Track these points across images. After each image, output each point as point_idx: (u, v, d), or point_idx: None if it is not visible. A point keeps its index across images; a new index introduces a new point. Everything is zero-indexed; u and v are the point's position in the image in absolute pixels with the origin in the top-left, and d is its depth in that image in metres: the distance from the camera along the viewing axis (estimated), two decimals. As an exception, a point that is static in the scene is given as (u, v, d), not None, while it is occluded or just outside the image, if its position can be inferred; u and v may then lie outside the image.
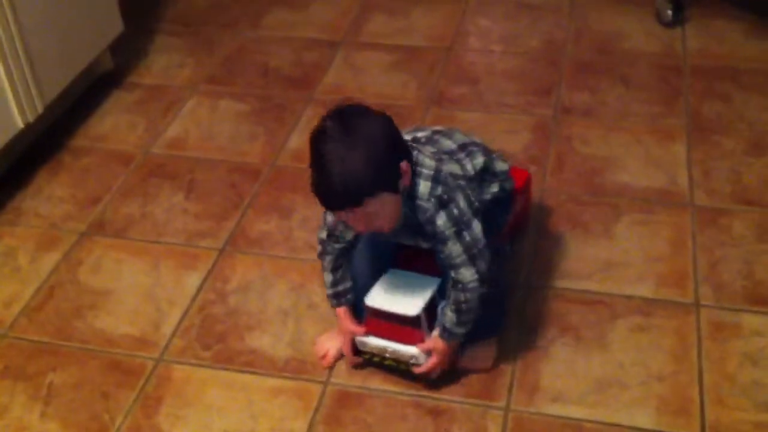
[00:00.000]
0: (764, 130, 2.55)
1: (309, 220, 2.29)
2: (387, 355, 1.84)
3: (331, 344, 1.94)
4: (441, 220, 1.65)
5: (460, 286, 1.71)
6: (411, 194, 1.65)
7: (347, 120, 1.56)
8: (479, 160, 1.79)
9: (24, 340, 2.04)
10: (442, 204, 1.65)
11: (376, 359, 1.87)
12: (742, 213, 2.27)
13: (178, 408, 1.87)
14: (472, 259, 1.69)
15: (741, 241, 2.19)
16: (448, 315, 1.76)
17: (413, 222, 1.68)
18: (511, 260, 1.99)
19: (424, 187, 1.64)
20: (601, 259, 2.16)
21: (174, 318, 2.06)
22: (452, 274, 1.71)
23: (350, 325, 1.86)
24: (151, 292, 2.14)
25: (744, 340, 1.94)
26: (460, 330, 1.77)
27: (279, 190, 2.43)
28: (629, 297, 2.05)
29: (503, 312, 1.96)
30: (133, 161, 2.57)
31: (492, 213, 1.81)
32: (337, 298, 1.86)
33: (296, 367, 1.93)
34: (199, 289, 2.13)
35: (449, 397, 1.86)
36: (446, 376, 1.86)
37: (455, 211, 1.66)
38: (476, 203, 1.73)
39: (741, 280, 2.08)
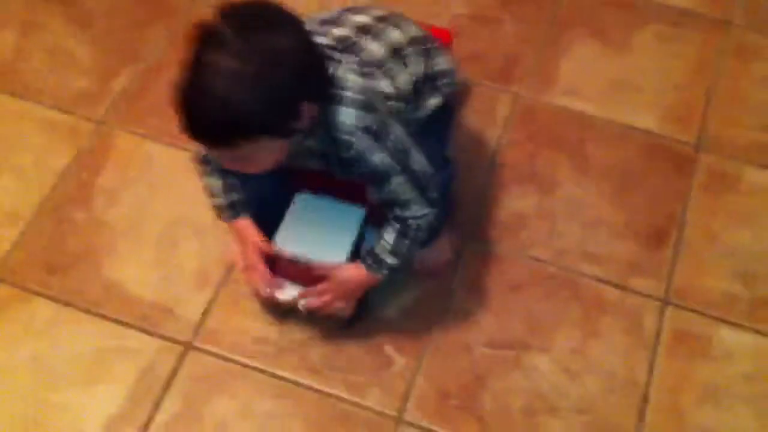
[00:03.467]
0: None
1: None
2: (301, 305, 1.46)
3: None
4: (378, 156, 1.26)
5: (409, 221, 1.36)
6: (328, 125, 1.24)
7: (249, 28, 1.13)
8: (417, 67, 1.39)
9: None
10: (377, 137, 1.26)
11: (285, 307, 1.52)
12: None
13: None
14: (422, 192, 1.34)
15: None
16: (384, 239, 1.37)
17: (330, 156, 1.29)
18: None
19: (346, 116, 1.23)
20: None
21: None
22: (397, 210, 1.35)
23: (256, 237, 1.43)
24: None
25: (766, 64, 1.95)
26: (392, 260, 1.38)
27: None
28: (663, 4, 2.04)
29: (448, 204, 1.59)
30: None
31: (433, 128, 1.45)
32: (233, 209, 1.44)
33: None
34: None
35: (466, 75, 1.91)
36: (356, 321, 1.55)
37: (391, 142, 1.28)
38: (411, 127, 1.35)
39: (778, 4, 2.05)
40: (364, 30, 1.36)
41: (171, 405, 1.48)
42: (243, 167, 1.25)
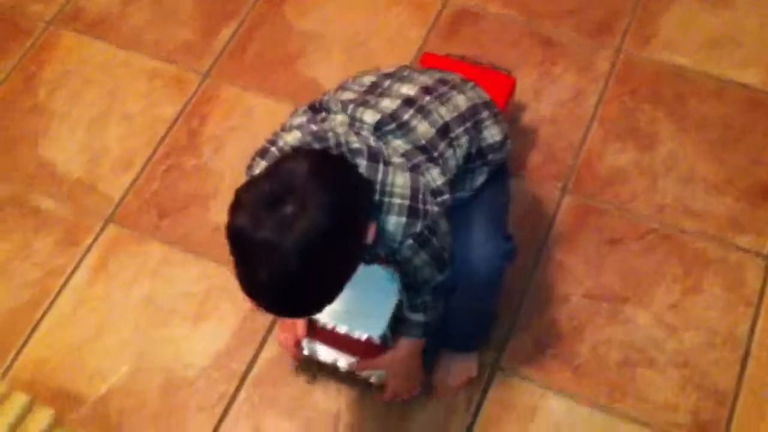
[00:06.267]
0: None
1: None
2: (341, 367, 1.45)
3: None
4: (420, 259, 1.23)
5: (421, 297, 1.33)
6: (378, 231, 1.18)
7: (282, 208, 1.04)
8: (466, 148, 1.30)
9: None
10: (422, 243, 1.21)
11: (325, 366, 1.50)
12: None
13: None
14: (441, 273, 1.29)
15: None
16: (404, 302, 1.37)
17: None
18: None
19: (395, 225, 1.17)
20: None
21: None
22: (417, 285, 1.32)
23: (300, 327, 1.44)
24: None
25: None
26: (414, 316, 1.35)
27: None
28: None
29: (494, 323, 1.55)
30: None
31: (486, 197, 1.36)
32: None
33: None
34: None
35: (565, 30, 1.90)
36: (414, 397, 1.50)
37: (435, 244, 1.23)
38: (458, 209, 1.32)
39: None
40: (412, 104, 1.26)
41: (275, 342, 1.54)
42: None
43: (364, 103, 1.24)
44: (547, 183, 1.69)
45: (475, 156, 1.31)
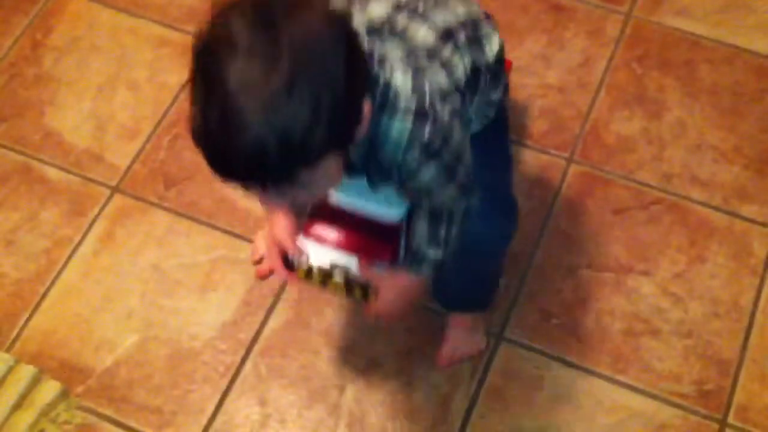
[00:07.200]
0: None
1: None
2: (335, 274, 1.28)
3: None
4: (429, 174, 1.05)
5: (444, 211, 1.16)
6: (376, 137, 1.00)
7: (272, 19, 0.83)
8: (473, 57, 1.13)
9: None
10: (432, 153, 1.03)
11: (317, 278, 1.29)
12: None
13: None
14: (463, 195, 1.13)
15: None
16: (418, 232, 1.18)
17: (371, 168, 1.06)
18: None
19: (400, 131, 1.00)
20: None
21: None
22: (431, 206, 1.16)
23: (290, 227, 1.26)
24: None
25: None
26: (434, 252, 1.17)
27: None
28: None
29: (497, 286, 1.48)
30: None
31: (489, 158, 1.22)
32: None
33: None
34: None
35: (574, -5, 1.88)
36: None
37: (447, 156, 1.05)
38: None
39: None
40: (403, 8, 1.09)
41: (281, 313, 1.55)
42: (296, 200, 1.00)
43: (349, 5, 1.07)
44: (554, 152, 1.68)
45: (486, 70, 1.16)
